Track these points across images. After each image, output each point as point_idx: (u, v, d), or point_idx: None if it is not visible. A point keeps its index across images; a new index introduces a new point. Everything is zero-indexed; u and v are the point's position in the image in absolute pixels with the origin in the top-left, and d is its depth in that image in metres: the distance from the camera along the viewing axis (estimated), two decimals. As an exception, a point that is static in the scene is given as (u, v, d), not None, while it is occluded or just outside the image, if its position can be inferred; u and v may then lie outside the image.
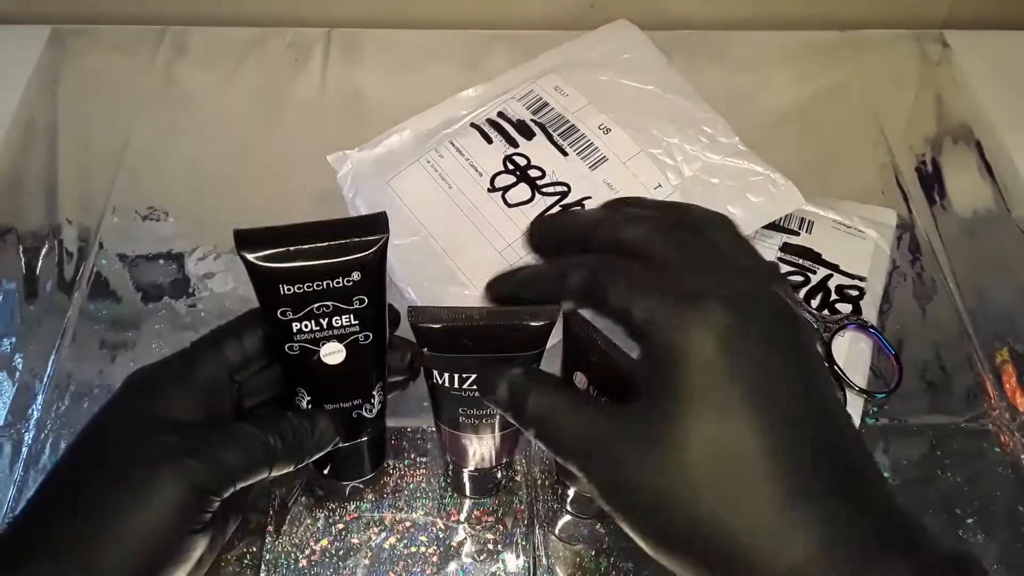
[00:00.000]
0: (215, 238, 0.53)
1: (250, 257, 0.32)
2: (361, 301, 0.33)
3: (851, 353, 0.48)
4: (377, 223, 0.33)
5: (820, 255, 0.52)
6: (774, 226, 0.53)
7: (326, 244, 0.32)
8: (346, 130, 0.59)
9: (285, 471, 0.34)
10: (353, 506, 0.44)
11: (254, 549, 0.42)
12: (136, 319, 0.51)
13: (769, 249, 0.52)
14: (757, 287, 0.29)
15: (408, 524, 0.43)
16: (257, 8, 0.68)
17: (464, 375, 0.35)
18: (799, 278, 0.51)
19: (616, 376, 0.34)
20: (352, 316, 0.34)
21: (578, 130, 0.54)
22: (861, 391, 0.47)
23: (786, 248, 0.53)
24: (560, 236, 0.34)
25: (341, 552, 0.42)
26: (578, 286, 0.31)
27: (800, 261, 0.52)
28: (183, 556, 0.31)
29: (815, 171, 0.58)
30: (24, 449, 0.46)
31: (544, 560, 0.42)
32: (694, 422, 0.26)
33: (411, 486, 0.45)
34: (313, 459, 0.36)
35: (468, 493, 0.44)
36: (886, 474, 0.46)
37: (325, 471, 0.40)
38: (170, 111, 0.62)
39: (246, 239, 0.32)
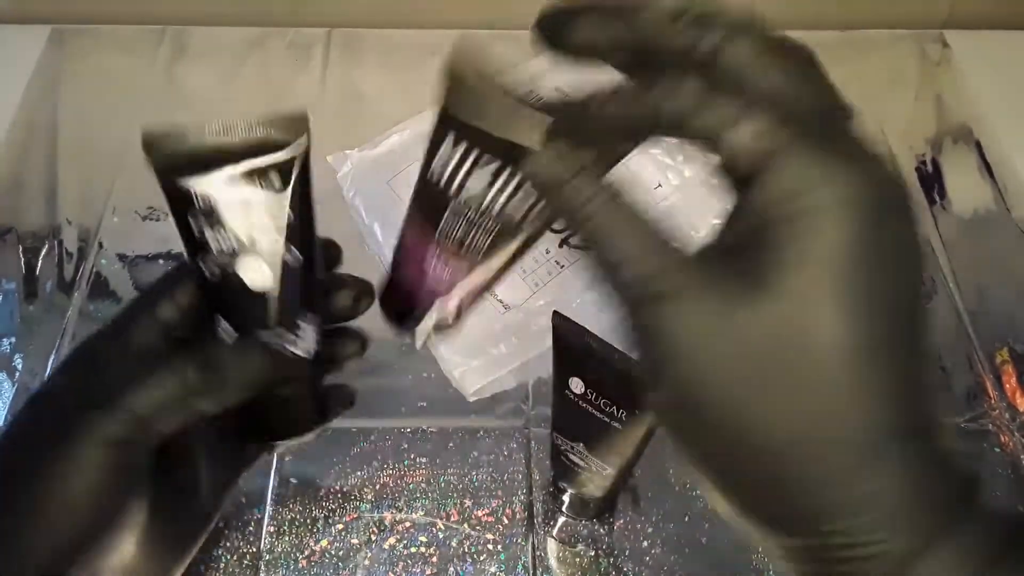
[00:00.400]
0: (215, 238, 0.53)
1: (156, 161, 0.29)
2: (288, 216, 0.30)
3: (851, 353, 0.48)
4: (296, 123, 0.30)
5: (820, 255, 0.52)
6: (774, 226, 0.53)
7: (239, 146, 0.29)
8: (346, 130, 0.59)
9: (215, 411, 0.30)
10: (353, 506, 0.44)
11: (254, 549, 0.42)
12: (136, 319, 0.51)
13: (769, 249, 0.52)
14: (896, 176, 0.22)
15: (408, 524, 0.43)
16: (257, 8, 0.68)
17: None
18: (799, 278, 0.51)
19: (618, 380, 0.33)
20: (274, 230, 0.30)
21: (578, 130, 0.54)
22: (861, 391, 0.47)
23: (786, 248, 0.52)
24: (604, 29, 0.25)
25: (341, 552, 0.42)
26: (681, 108, 0.22)
27: (800, 261, 0.52)
28: (120, 518, 0.29)
29: (815, 171, 0.58)
30: (24, 449, 0.46)
31: (544, 560, 0.42)
32: (808, 308, 0.20)
33: (411, 486, 0.45)
34: (243, 396, 0.31)
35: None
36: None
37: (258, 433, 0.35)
38: (170, 111, 0.62)
39: (152, 141, 0.29)
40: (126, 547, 0.29)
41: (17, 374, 0.49)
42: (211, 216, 0.29)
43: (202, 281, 0.31)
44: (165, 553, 0.31)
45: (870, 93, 0.63)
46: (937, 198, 0.58)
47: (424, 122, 0.62)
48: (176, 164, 0.29)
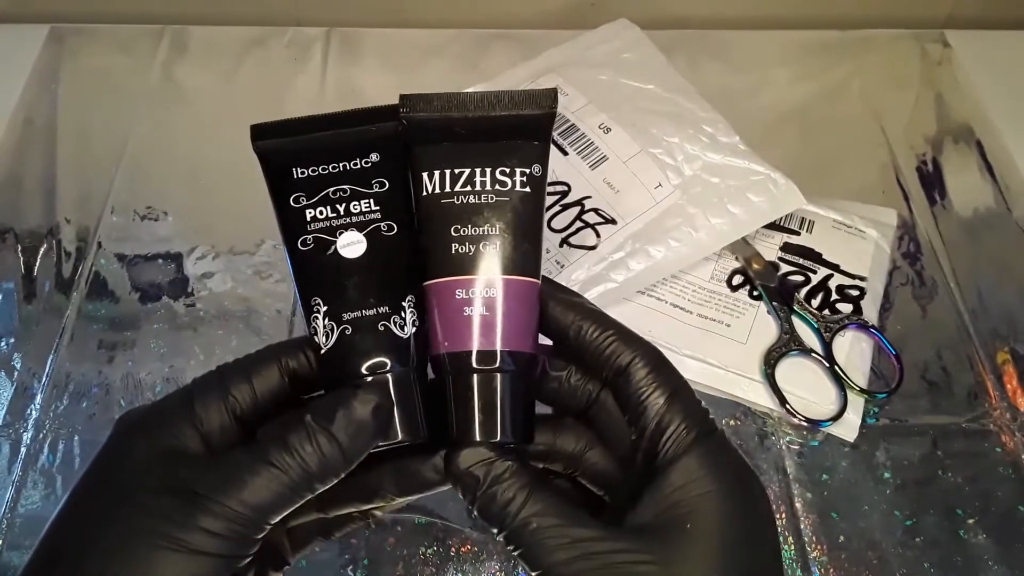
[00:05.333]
0: (214, 238, 0.53)
1: (261, 144, 0.31)
2: (381, 184, 0.31)
3: (852, 353, 0.48)
4: (394, 109, 0.32)
5: (821, 255, 0.52)
6: (775, 226, 0.53)
7: (341, 126, 0.31)
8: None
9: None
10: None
11: (253, 550, 0.42)
12: (134, 319, 0.51)
13: (770, 249, 0.52)
14: (753, 473, 0.30)
15: (408, 524, 0.43)
16: (257, 7, 0.68)
17: (457, 170, 0.32)
18: (799, 278, 0.51)
19: None
20: (372, 201, 0.31)
21: (578, 129, 0.54)
22: (862, 391, 0.47)
23: (787, 248, 0.52)
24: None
25: (341, 553, 0.42)
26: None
27: (801, 261, 0.52)
28: None
29: (816, 171, 0.58)
30: (22, 449, 0.46)
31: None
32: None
33: (410, 486, 0.44)
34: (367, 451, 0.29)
35: (478, 430, 0.30)
36: (887, 475, 0.46)
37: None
38: (169, 110, 0.62)
39: (260, 132, 0.31)
40: None
41: (16, 374, 0.48)
42: (311, 191, 0.31)
43: (299, 261, 0.31)
44: None
45: (871, 92, 0.63)
46: (938, 198, 0.58)
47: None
48: (279, 143, 0.31)
